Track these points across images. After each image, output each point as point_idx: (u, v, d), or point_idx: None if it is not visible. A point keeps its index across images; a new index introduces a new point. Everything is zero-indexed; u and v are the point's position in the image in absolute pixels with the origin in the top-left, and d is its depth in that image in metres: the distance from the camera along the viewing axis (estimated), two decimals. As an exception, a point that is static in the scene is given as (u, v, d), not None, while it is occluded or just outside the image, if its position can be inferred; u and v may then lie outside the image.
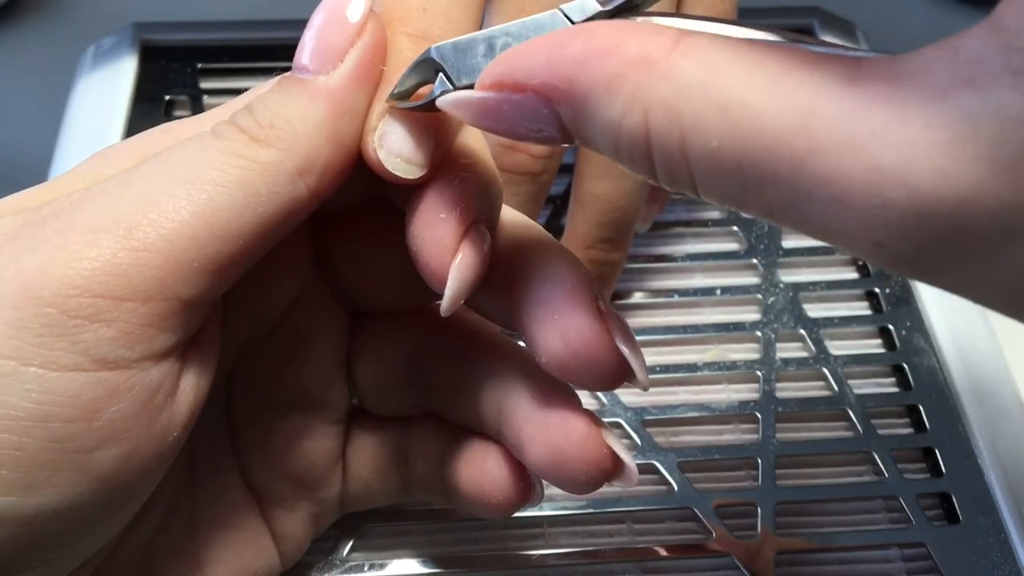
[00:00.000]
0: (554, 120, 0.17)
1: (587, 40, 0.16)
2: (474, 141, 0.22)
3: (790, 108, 0.15)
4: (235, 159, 0.19)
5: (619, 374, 0.21)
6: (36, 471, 0.18)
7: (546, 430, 0.22)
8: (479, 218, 0.21)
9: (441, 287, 0.20)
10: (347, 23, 0.20)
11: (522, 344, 0.24)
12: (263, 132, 0.20)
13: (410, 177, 0.20)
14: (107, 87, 0.39)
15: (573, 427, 0.22)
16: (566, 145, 0.18)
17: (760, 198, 0.15)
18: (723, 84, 0.15)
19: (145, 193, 0.19)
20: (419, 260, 0.20)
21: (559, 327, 0.20)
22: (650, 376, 0.32)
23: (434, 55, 0.19)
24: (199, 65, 0.40)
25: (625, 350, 0.21)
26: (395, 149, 0.20)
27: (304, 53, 0.20)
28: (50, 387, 0.18)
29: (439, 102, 0.19)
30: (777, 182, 0.15)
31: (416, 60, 0.19)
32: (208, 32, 0.41)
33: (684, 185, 0.16)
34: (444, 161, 0.21)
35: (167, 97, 0.39)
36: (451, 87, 0.19)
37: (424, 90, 0.20)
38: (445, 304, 0.20)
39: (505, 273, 0.22)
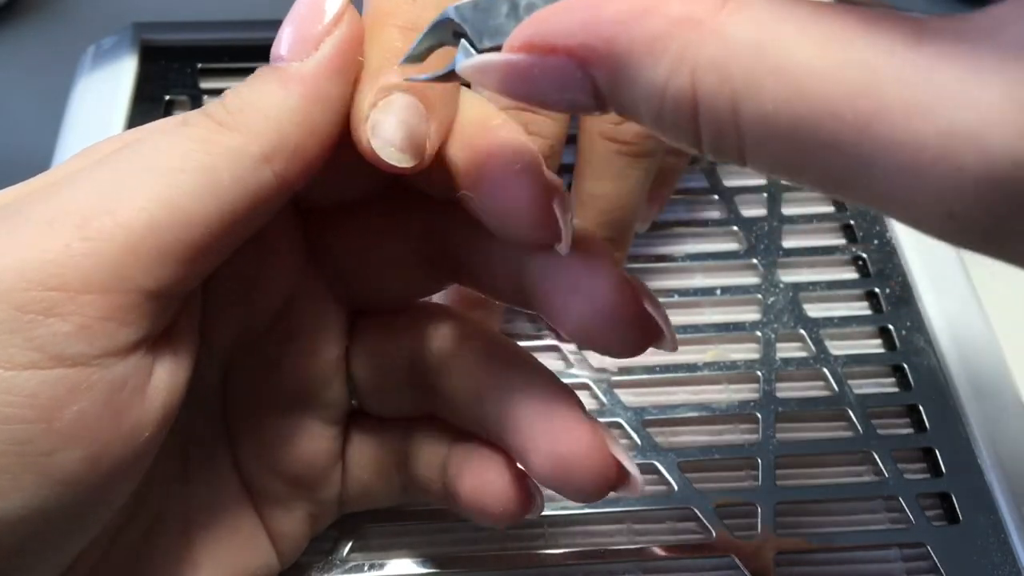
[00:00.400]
0: (588, 85, 0.16)
1: None
2: (486, 107, 0.21)
3: (853, 67, 0.14)
4: (199, 144, 0.19)
5: (647, 334, 0.21)
6: None
7: (550, 439, 0.22)
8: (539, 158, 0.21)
9: (553, 229, 0.20)
10: (324, 14, 0.20)
11: (522, 345, 0.24)
12: (229, 117, 0.19)
13: (405, 165, 0.20)
14: (107, 87, 0.39)
15: (578, 436, 0.21)
16: (599, 112, 0.17)
17: (818, 166, 0.14)
18: (779, 43, 0.14)
19: (104, 183, 0.18)
20: (519, 217, 0.20)
21: (585, 291, 0.20)
22: (650, 376, 0.32)
23: (453, 15, 0.18)
24: (199, 65, 0.40)
25: (651, 309, 0.21)
26: (389, 137, 0.20)
27: (281, 43, 0.20)
28: (5, 386, 0.17)
29: (460, 67, 0.18)
30: (838, 148, 0.14)
31: (434, 21, 0.18)
32: (208, 32, 0.41)
33: (731, 152, 0.15)
34: (453, 138, 0.21)
35: (167, 97, 0.39)
36: (473, 52, 0.18)
37: (434, 60, 0.19)
38: (566, 239, 0.20)
39: (521, 247, 0.22)
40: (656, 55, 0.15)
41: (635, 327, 0.21)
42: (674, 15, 0.15)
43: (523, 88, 0.17)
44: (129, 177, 0.18)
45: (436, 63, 0.19)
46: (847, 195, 0.15)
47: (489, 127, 0.21)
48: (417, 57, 0.19)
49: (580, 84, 0.16)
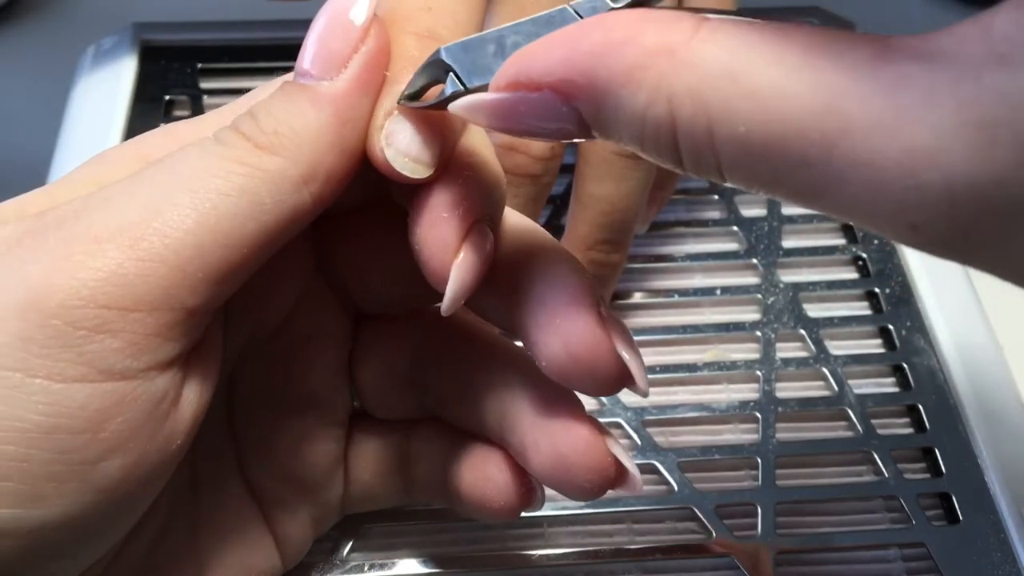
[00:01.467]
0: (573, 116, 0.17)
1: (604, 32, 0.16)
2: (478, 140, 0.21)
3: (820, 89, 0.14)
4: (239, 167, 0.19)
5: (619, 380, 0.21)
6: (42, 483, 0.18)
7: (550, 437, 0.22)
8: (481, 218, 0.20)
9: (443, 286, 0.20)
10: (350, 27, 0.20)
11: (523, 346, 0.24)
12: (267, 139, 0.19)
13: (417, 176, 0.20)
14: (107, 87, 0.39)
15: (577, 434, 0.22)
16: (579, 140, 0.18)
17: (790, 182, 0.15)
18: (749, 68, 0.15)
19: (149, 202, 0.19)
20: (421, 259, 0.20)
21: (561, 332, 0.20)
22: (650, 376, 0.32)
23: (444, 56, 0.19)
24: (199, 65, 0.40)
25: (626, 356, 0.21)
26: (403, 148, 0.20)
27: (307, 58, 0.20)
28: (56, 399, 0.18)
29: (452, 107, 0.18)
30: (808, 165, 0.15)
31: (426, 61, 0.19)
32: (208, 32, 0.41)
33: (711, 172, 0.16)
34: (449, 160, 0.20)
35: (167, 97, 0.39)
36: (462, 87, 0.18)
37: (434, 91, 0.19)
38: (446, 303, 0.20)
39: (507, 276, 0.22)
40: (634, 86, 0.16)
41: (606, 373, 0.21)
42: (649, 46, 0.16)
43: (512, 123, 0.18)
44: (173, 197, 0.19)
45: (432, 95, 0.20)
46: (818, 207, 0.16)
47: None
48: (413, 96, 0.20)
49: (566, 116, 0.17)
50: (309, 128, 0.20)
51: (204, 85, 0.40)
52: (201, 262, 0.19)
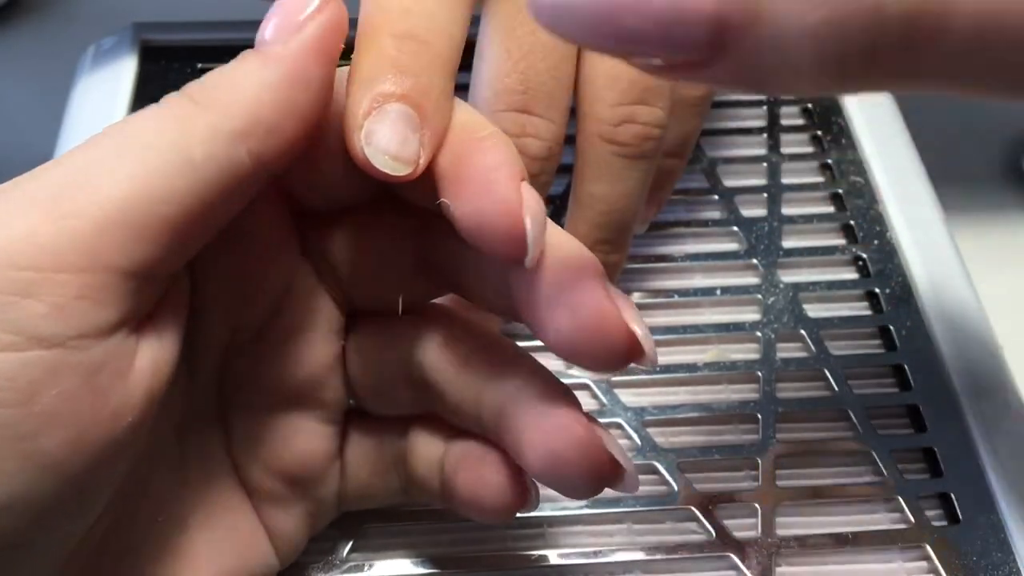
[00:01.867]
0: (712, 27, 0.14)
1: None
2: (475, 116, 0.21)
3: None
4: (172, 122, 0.19)
5: (629, 351, 0.21)
6: None
7: (546, 435, 0.22)
8: (521, 172, 0.21)
9: (520, 242, 0.20)
10: (309, 3, 0.20)
11: (521, 345, 0.24)
12: (205, 95, 0.19)
13: (399, 174, 0.20)
14: (107, 87, 0.39)
15: (573, 432, 0.22)
16: (694, 76, 0.15)
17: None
18: None
19: (77, 162, 0.19)
20: (489, 226, 0.20)
21: (568, 303, 0.20)
22: (650, 376, 0.32)
23: None
24: (199, 65, 0.40)
25: (634, 326, 0.21)
26: (383, 146, 0.20)
27: (266, 28, 0.20)
28: None
29: (534, 4, 0.15)
30: None
31: None
32: (208, 32, 0.41)
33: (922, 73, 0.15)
34: (440, 147, 0.21)
35: (167, 97, 0.39)
36: None
37: None
38: (532, 253, 0.20)
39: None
40: None
41: (616, 344, 0.21)
42: None
43: (620, 37, 0.14)
44: (104, 157, 0.19)
45: None
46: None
47: (476, 136, 0.21)
48: None
49: (701, 26, 0.14)
50: (251, 85, 0.19)
51: (204, 85, 0.40)
52: (128, 218, 0.18)
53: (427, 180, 0.21)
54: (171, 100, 0.20)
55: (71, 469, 0.18)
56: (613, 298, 0.21)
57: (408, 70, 0.21)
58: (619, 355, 0.21)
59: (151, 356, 0.20)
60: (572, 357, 0.21)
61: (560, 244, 0.21)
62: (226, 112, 0.19)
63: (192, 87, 0.20)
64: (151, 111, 0.20)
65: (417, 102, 0.20)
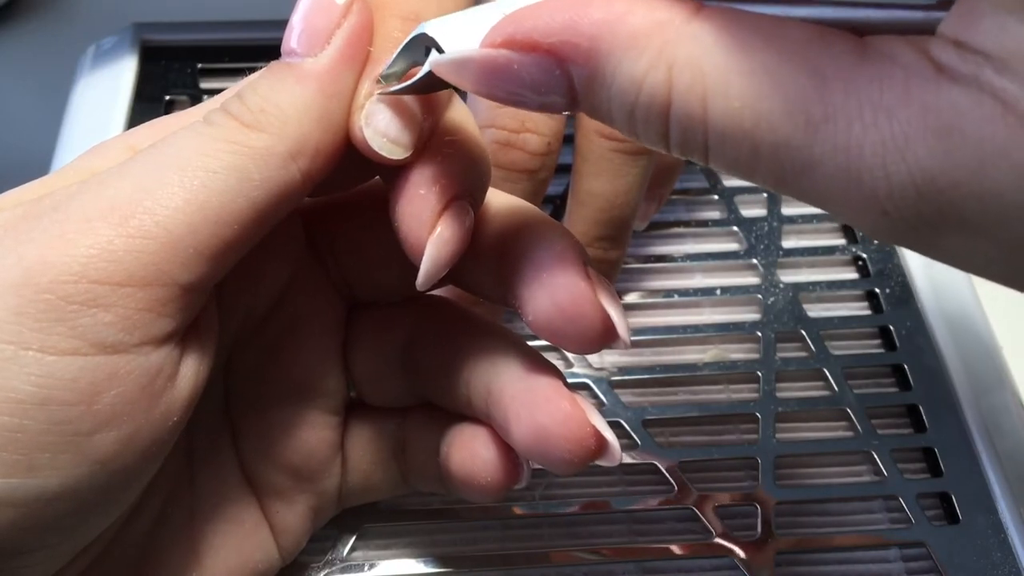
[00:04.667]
0: (564, 84, 0.17)
1: (610, 2, 0.17)
2: (461, 117, 0.22)
3: (813, 75, 0.15)
4: (227, 145, 0.20)
5: (603, 333, 0.21)
6: (37, 453, 0.18)
7: (530, 410, 0.22)
8: (461, 194, 0.21)
9: (419, 261, 0.21)
10: (333, 5, 0.20)
11: (510, 327, 0.25)
12: (253, 117, 0.20)
13: (396, 157, 0.20)
14: (107, 87, 0.39)
15: (557, 406, 0.22)
16: (567, 113, 0.18)
17: (771, 164, 0.16)
18: (748, 48, 0.16)
19: (139, 181, 0.19)
20: (399, 234, 0.21)
21: (547, 285, 0.21)
22: (650, 376, 0.33)
23: (426, 29, 0.19)
24: (199, 65, 0.40)
25: (610, 309, 0.21)
26: (381, 128, 0.20)
27: (292, 37, 0.21)
28: (48, 370, 0.18)
29: (436, 64, 0.18)
30: (791, 147, 0.16)
31: (408, 38, 0.19)
32: (208, 32, 0.41)
33: (695, 148, 0.17)
34: (428, 141, 0.21)
35: (167, 97, 0.39)
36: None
37: (415, 70, 0.19)
38: (420, 278, 0.21)
39: (496, 248, 0.22)
40: (638, 51, 0.16)
41: (591, 326, 0.21)
42: (656, 16, 0.16)
43: (499, 85, 0.18)
44: (163, 176, 0.19)
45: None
46: (793, 193, 0.16)
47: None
48: (393, 76, 0.20)
49: (557, 82, 0.17)
50: (295, 105, 0.20)
51: (204, 85, 0.40)
52: (192, 239, 0.19)
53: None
54: (219, 122, 0.20)
55: (120, 465, 0.19)
56: (592, 282, 0.21)
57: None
58: (594, 337, 0.21)
59: (194, 361, 0.21)
60: (550, 337, 0.22)
61: (543, 234, 0.22)
62: (278, 135, 0.20)
63: (236, 108, 0.20)
64: (200, 131, 0.20)
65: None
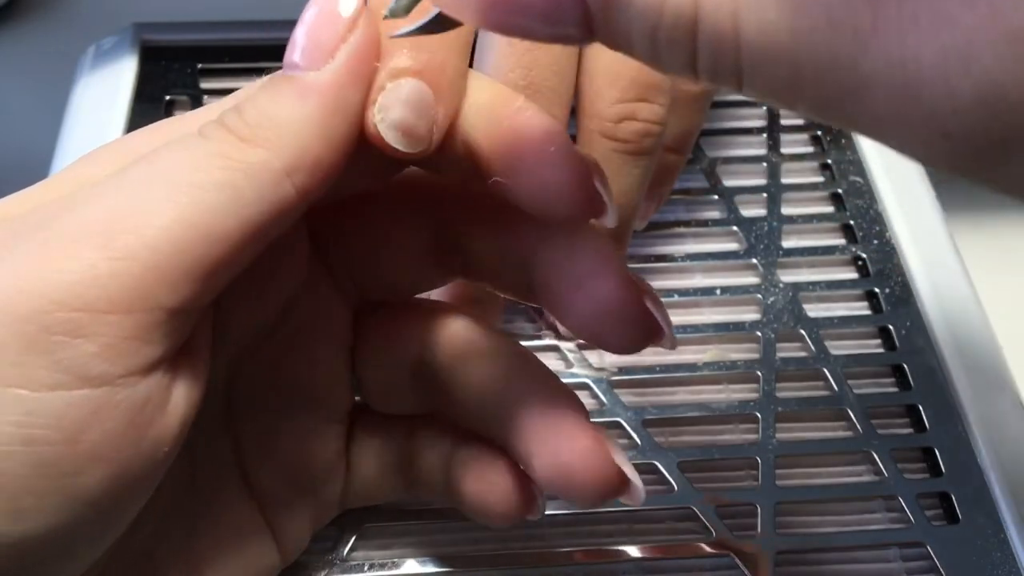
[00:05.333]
0: (578, 10, 0.16)
1: None
2: (496, 89, 0.21)
3: None
4: (220, 160, 0.19)
5: (648, 333, 0.21)
6: (21, 497, 0.17)
7: (554, 446, 0.22)
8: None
9: (597, 203, 0.20)
10: (338, 18, 0.20)
11: (527, 347, 0.24)
12: (250, 131, 0.19)
13: (412, 151, 0.20)
14: (107, 87, 0.39)
15: (581, 444, 0.22)
16: (583, 43, 0.17)
17: (815, 86, 0.14)
18: None
19: (126, 198, 0.18)
20: (561, 195, 0.20)
21: (590, 286, 0.21)
22: (650, 376, 0.33)
23: None
24: (199, 65, 0.40)
25: (653, 309, 0.21)
26: (396, 122, 0.20)
27: (295, 50, 0.20)
28: (31, 408, 0.17)
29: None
30: (837, 66, 0.14)
31: None
32: (208, 32, 0.41)
33: (727, 75, 0.15)
34: (445, 132, 0.20)
35: (167, 97, 0.39)
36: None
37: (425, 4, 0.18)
38: (612, 215, 0.21)
39: (529, 242, 0.22)
40: None
41: (637, 325, 0.21)
42: None
43: (507, 17, 0.16)
44: (151, 193, 0.18)
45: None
46: (839, 120, 0.15)
47: (513, 109, 0.21)
48: (400, 10, 0.19)
49: (570, 9, 0.16)
50: (293, 119, 0.19)
51: (204, 85, 0.40)
52: (179, 259, 0.18)
53: (470, 159, 0.21)
54: (214, 134, 0.19)
55: (109, 503, 0.18)
56: (634, 283, 0.21)
57: (424, 46, 0.20)
58: (639, 336, 0.21)
59: (185, 387, 0.20)
60: (593, 339, 0.21)
61: (578, 233, 0.21)
62: (274, 150, 0.19)
63: (232, 120, 0.19)
64: (194, 144, 0.19)
65: (432, 79, 0.20)
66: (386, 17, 0.19)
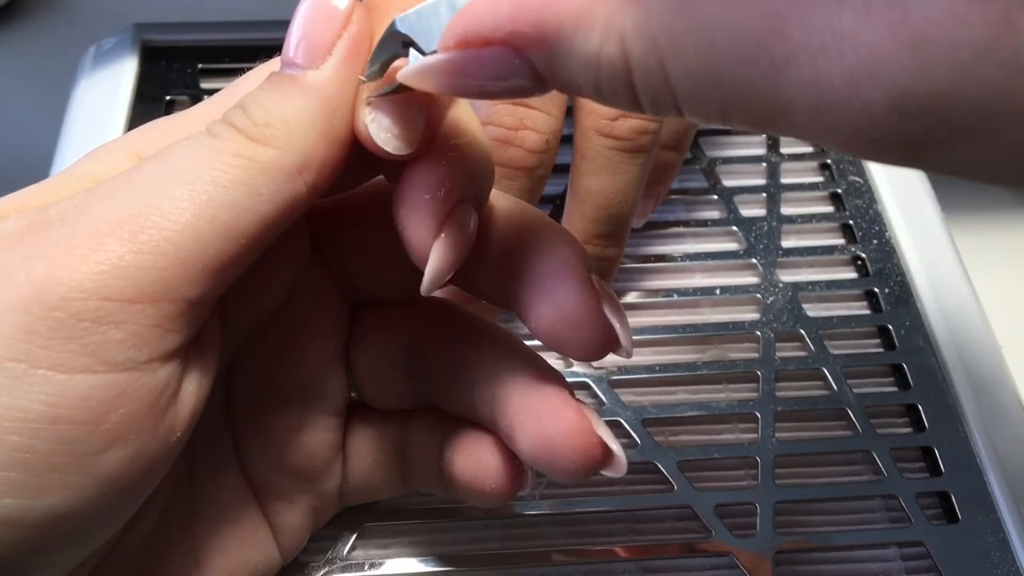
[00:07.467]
0: (527, 69, 0.17)
1: None
2: (465, 118, 0.22)
3: (764, 16, 0.15)
4: (234, 159, 0.19)
5: (605, 341, 0.21)
6: (46, 474, 0.18)
7: (536, 420, 0.22)
8: (465, 198, 0.21)
9: (424, 266, 0.20)
10: (333, 13, 0.20)
11: (515, 334, 0.25)
12: (259, 131, 0.20)
13: (400, 153, 0.20)
14: (108, 87, 0.39)
15: (563, 417, 0.22)
16: (541, 94, 0.18)
17: (744, 112, 0.15)
18: (693, 2, 0.15)
19: (147, 196, 0.19)
20: (403, 239, 0.21)
21: (551, 293, 0.21)
22: (650, 376, 0.33)
23: (399, 27, 0.18)
24: (200, 65, 0.40)
25: (612, 318, 0.21)
26: (386, 124, 0.20)
27: (291, 47, 0.20)
28: (59, 389, 0.18)
29: (401, 76, 0.18)
30: (759, 93, 0.15)
31: (383, 35, 0.19)
32: (208, 32, 0.41)
33: (668, 108, 0.16)
34: (434, 137, 0.21)
35: (167, 97, 0.39)
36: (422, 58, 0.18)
37: (400, 63, 0.19)
38: (425, 283, 0.21)
39: (500, 251, 0.22)
40: (585, 29, 0.16)
41: (594, 333, 0.21)
42: None
43: (465, 84, 0.17)
44: (171, 190, 0.19)
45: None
46: (775, 132, 0.16)
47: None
48: (376, 73, 0.20)
49: (519, 70, 0.17)
50: (300, 119, 0.20)
51: (204, 85, 0.40)
52: (201, 254, 0.19)
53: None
54: (224, 134, 0.20)
55: (126, 483, 0.19)
56: (595, 291, 0.21)
57: None
58: (596, 345, 0.21)
59: (197, 375, 0.21)
60: (552, 345, 0.22)
61: (547, 240, 0.22)
62: (284, 148, 0.20)
63: (240, 120, 0.20)
64: (206, 143, 0.20)
65: None
66: (364, 81, 0.20)
